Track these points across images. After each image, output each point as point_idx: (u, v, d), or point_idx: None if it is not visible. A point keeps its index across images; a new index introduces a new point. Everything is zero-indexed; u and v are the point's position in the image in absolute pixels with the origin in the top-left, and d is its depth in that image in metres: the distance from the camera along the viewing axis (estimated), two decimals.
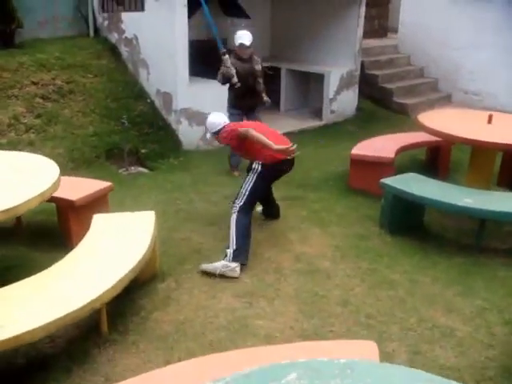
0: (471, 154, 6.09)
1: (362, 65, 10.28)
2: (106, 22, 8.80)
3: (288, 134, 8.47)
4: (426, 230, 5.49)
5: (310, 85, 10.32)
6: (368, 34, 11.20)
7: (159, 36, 7.67)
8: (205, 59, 8.95)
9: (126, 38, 8.38)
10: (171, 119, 7.81)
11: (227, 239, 4.66)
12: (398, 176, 5.53)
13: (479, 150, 5.94)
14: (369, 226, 5.49)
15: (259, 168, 4.80)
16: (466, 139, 5.58)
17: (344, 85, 9.71)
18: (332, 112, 9.62)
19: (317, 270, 4.63)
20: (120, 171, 7.04)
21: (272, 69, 9.87)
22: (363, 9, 9.66)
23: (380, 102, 10.57)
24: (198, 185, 6.45)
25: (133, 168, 7.19)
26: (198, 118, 7.62)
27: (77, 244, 4.74)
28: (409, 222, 5.41)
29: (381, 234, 5.32)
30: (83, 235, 4.62)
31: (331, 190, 6.44)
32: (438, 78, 11.40)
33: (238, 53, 6.49)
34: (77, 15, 8.84)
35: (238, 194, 4.83)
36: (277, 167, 4.87)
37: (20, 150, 6.59)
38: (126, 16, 8.35)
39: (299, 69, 9.95)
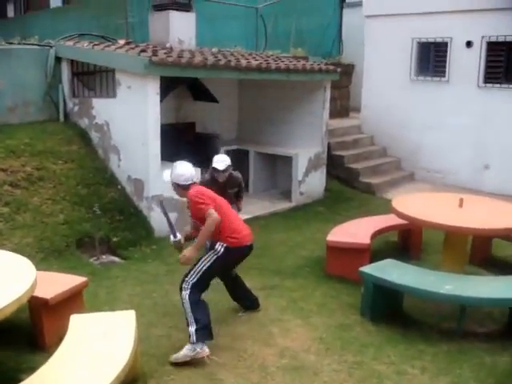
0: (445, 237, 6.18)
1: (328, 146, 10.52)
2: (77, 108, 8.81)
3: (259, 218, 8.62)
4: (406, 316, 5.47)
5: (278, 166, 10.47)
6: (331, 114, 11.52)
7: (131, 123, 7.70)
8: (174, 142, 9.04)
9: (96, 123, 8.38)
10: (142, 206, 7.72)
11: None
12: (376, 263, 5.55)
13: (453, 234, 6.04)
14: (350, 315, 5.43)
15: (221, 250, 4.65)
16: (440, 225, 5.69)
17: (312, 167, 9.87)
18: (301, 194, 9.72)
19: (302, 366, 4.51)
20: (91, 260, 6.85)
21: (240, 151, 10.05)
22: (328, 93, 9.99)
23: (347, 182, 10.78)
24: (172, 275, 6.29)
25: (104, 257, 7.02)
26: (170, 204, 7.56)
27: (50, 343, 4.61)
28: (389, 308, 5.40)
29: (363, 323, 5.27)
30: (57, 334, 4.46)
31: (308, 277, 6.39)
32: (400, 157, 11.76)
33: (215, 176, 6.39)
34: (47, 101, 8.83)
35: (190, 270, 4.67)
36: (242, 252, 4.84)
37: None
38: (97, 102, 8.39)
39: (267, 151, 10.10)
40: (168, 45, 8.85)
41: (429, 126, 11.27)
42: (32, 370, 4.20)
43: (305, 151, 9.81)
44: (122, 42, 8.89)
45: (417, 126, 11.42)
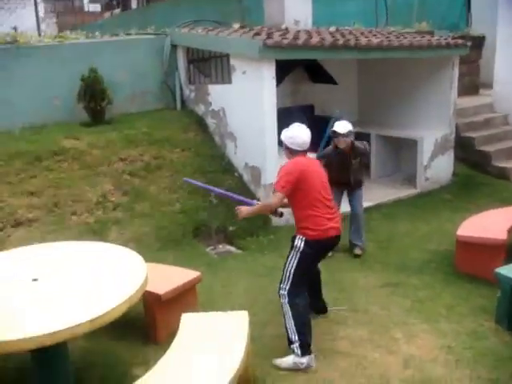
0: None
1: (456, 127, 9.70)
2: (193, 95, 8.79)
3: (382, 206, 8.12)
4: None
5: (402, 150, 9.81)
6: (458, 92, 10.61)
7: (247, 109, 7.49)
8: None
9: (212, 110, 8.30)
10: (260, 194, 7.50)
11: (287, 332, 4.30)
12: None
13: None
14: (483, 321, 4.85)
15: (302, 245, 4.26)
16: None
17: (438, 150, 9.16)
18: (426, 179, 9.05)
19: (429, 380, 4.05)
20: (208, 250, 6.79)
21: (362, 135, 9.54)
22: (456, 70, 9.18)
23: (477, 167, 9.88)
24: None
25: (221, 246, 6.94)
26: None
27: (162, 338, 4.56)
28: None
29: (498, 332, 4.68)
30: (170, 328, 4.38)
31: (435, 274, 5.85)
32: None
33: (335, 142, 6.16)
34: (164, 89, 8.88)
35: (282, 277, 4.36)
36: (325, 244, 4.35)
37: (107, 229, 6.55)
38: (212, 88, 8.29)
39: (390, 134, 9.50)
40: (283, 26, 8.55)
41: None
42: (145, 364, 4.20)
43: (431, 134, 9.10)
44: (236, 26, 8.70)
45: None
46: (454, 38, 9.60)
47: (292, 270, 4.30)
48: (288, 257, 4.38)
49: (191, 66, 8.88)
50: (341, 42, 7.55)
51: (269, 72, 7.04)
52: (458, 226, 6.10)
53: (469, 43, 9.23)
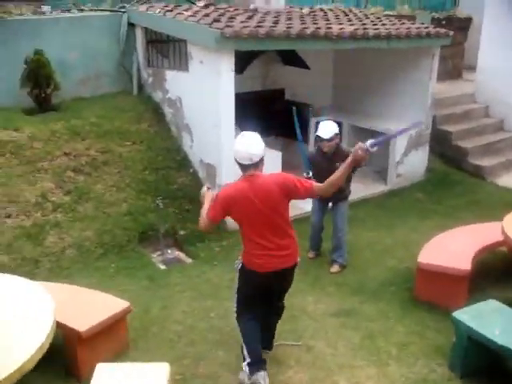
0: None
1: (433, 119, 9.18)
2: (151, 79, 8.14)
3: (349, 205, 7.60)
4: (507, 375, 4.35)
5: None
6: (441, 75, 9.97)
7: (203, 101, 6.90)
8: (261, 112, 8.14)
9: (169, 98, 7.68)
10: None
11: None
12: (474, 307, 4.44)
13: None
14: (436, 365, 4.42)
15: (238, 267, 4.09)
16: None
17: (412, 145, 8.66)
18: (398, 176, 8.59)
19: None
20: (154, 256, 6.33)
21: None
22: (436, 60, 8.60)
23: (452, 162, 9.41)
24: None
25: (169, 251, 6.48)
26: None
27: (85, 376, 4.11)
28: (486, 363, 4.36)
29: (451, 381, 4.27)
30: (94, 364, 3.91)
31: (392, 301, 5.40)
32: None
33: (320, 145, 5.70)
34: (121, 71, 8.21)
35: None
36: (258, 277, 3.93)
37: (45, 233, 6.05)
38: (169, 74, 7.64)
39: (362, 125, 8.96)
40: (252, 6, 7.88)
41: None
42: None
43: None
44: (201, 3, 8.01)
45: None
46: (438, 20, 8.97)
47: (236, 290, 4.14)
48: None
49: (150, 46, 8.18)
50: (309, 31, 6.93)
51: (227, 64, 6.42)
52: (424, 237, 5.77)
53: (451, 33, 8.60)
